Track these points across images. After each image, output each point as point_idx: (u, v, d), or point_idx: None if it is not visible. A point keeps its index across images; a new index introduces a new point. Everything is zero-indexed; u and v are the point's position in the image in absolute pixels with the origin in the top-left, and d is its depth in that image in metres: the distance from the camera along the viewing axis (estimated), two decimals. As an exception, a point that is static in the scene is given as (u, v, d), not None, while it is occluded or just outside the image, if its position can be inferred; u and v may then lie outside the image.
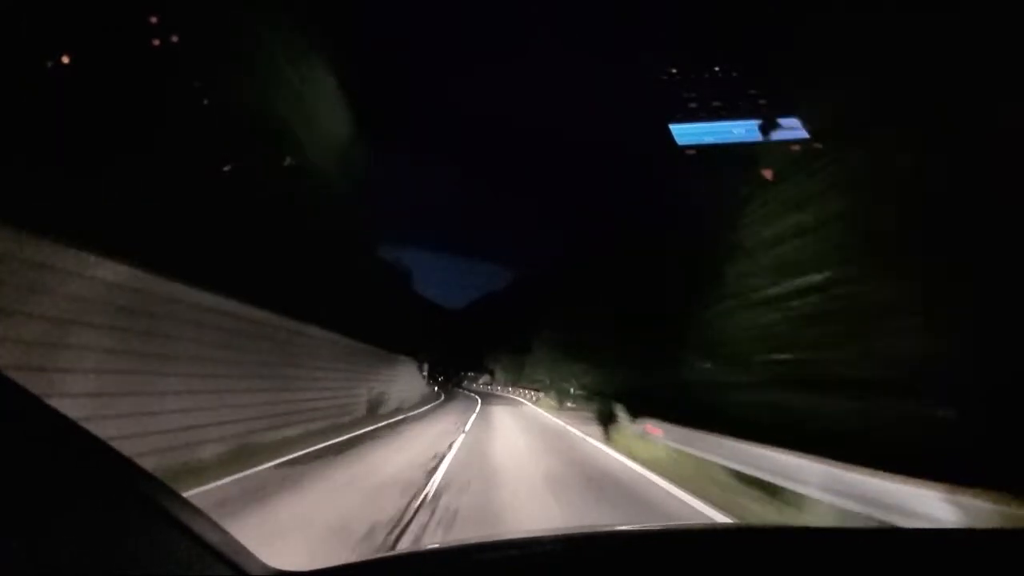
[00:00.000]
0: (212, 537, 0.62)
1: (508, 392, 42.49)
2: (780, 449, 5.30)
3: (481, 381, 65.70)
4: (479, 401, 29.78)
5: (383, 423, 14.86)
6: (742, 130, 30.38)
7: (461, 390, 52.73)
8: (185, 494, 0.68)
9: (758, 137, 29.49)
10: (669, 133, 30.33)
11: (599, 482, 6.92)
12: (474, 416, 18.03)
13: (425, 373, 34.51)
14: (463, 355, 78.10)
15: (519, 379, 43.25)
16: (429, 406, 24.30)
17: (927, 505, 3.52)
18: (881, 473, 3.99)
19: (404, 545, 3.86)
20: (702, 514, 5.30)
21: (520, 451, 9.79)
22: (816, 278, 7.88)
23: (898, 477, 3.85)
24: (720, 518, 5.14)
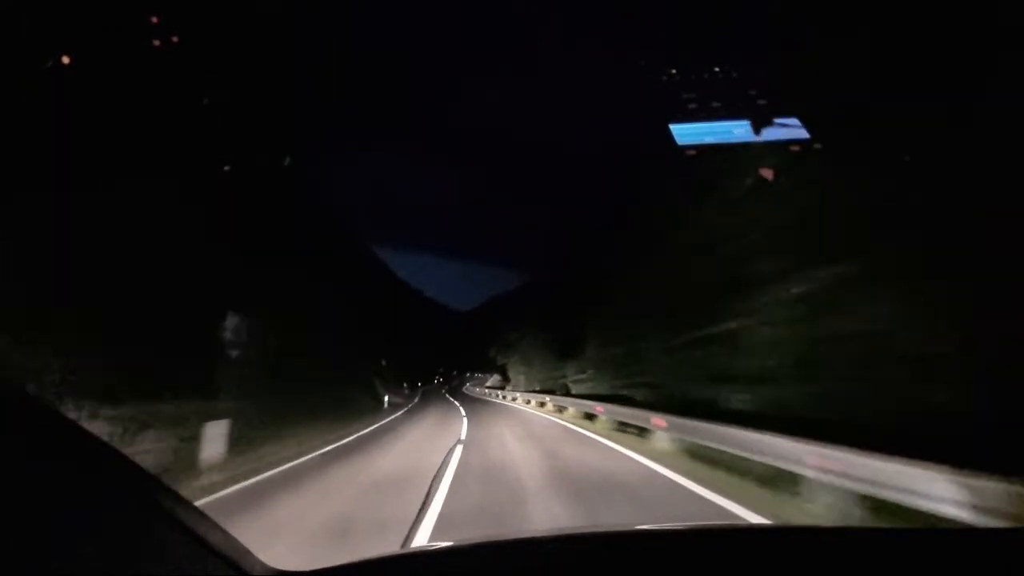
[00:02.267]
0: (212, 537, 0.62)
1: (544, 410, 17.13)
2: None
3: (489, 383, 47.05)
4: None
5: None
6: (743, 130, 30.48)
7: (451, 402, 28.12)
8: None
9: (758, 137, 29.59)
10: (669, 133, 30.37)
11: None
12: None
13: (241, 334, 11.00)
14: (472, 355, 76.61)
15: (558, 377, 22.70)
16: None
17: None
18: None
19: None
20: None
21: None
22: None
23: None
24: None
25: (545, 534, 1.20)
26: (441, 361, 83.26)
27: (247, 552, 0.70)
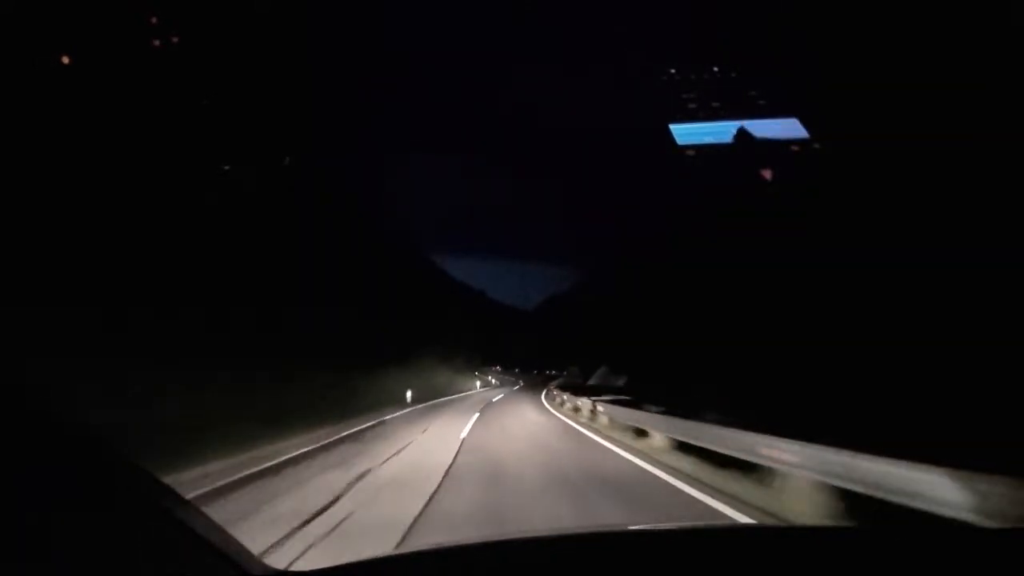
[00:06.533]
0: (213, 537, 0.62)
1: None
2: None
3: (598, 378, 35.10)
4: None
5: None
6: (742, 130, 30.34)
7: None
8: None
9: (758, 138, 29.50)
10: (669, 133, 30.39)
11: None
12: None
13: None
14: (543, 352, 74.79)
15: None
16: None
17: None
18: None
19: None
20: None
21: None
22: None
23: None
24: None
25: (546, 534, 1.20)
26: (498, 359, 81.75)
27: (247, 552, 0.70)
